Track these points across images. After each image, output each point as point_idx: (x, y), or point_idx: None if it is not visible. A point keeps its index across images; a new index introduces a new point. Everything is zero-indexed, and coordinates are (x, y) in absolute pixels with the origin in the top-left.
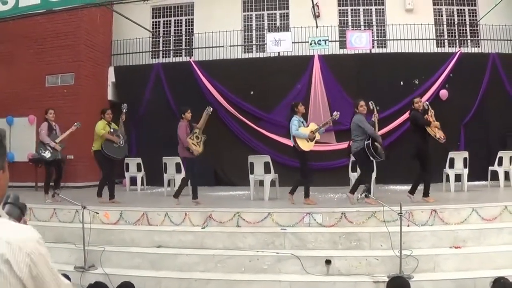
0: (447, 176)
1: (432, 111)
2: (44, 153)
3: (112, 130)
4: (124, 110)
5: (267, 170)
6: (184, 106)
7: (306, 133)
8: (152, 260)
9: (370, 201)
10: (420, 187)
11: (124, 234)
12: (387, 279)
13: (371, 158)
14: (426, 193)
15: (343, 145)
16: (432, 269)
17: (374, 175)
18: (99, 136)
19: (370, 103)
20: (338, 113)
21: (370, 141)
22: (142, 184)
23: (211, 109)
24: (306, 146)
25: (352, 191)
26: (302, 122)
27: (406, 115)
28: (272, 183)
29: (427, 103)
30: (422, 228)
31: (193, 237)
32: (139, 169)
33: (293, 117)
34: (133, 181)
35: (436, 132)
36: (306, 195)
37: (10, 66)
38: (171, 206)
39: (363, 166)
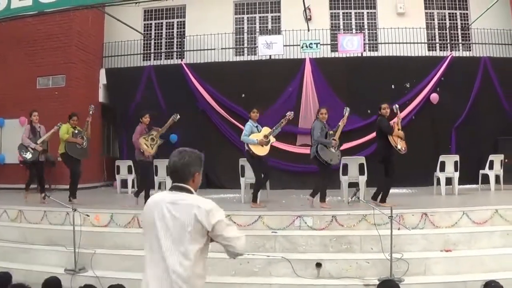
0: (438, 179)
1: (400, 117)
2: (26, 154)
3: (76, 132)
4: (90, 112)
5: None
6: (143, 110)
7: (254, 139)
8: (142, 263)
9: (325, 206)
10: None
11: (115, 236)
12: (377, 282)
13: (327, 164)
14: (383, 199)
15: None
16: (422, 272)
17: (364, 178)
18: (63, 139)
19: (394, 107)
20: (292, 113)
21: (317, 147)
22: (133, 186)
23: (178, 116)
24: (260, 151)
25: (313, 195)
26: (256, 127)
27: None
28: (263, 186)
29: (397, 106)
30: (413, 231)
31: None
32: (130, 172)
33: (246, 123)
34: (124, 183)
35: (398, 142)
36: (254, 198)
37: (1, 68)
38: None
39: (320, 172)
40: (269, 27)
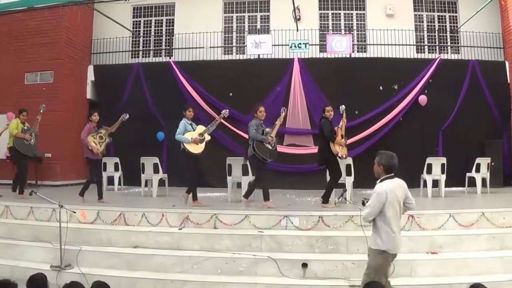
0: (425, 181)
1: (345, 121)
2: None
3: (25, 128)
4: (41, 110)
5: (245, 172)
6: (93, 109)
7: (188, 138)
8: (128, 260)
9: (270, 205)
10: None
11: (101, 233)
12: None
13: (264, 160)
14: (325, 200)
15: None
16: (408, 274)
17: (351, 179)
18: (12, 134)
19: (341, 107)
20: (227, 110)
21: (253, 143)
22: (119, 183)
23: (127, 116)
24: (195, 149)
25: (246, 196)
26: (191, 124)
27: (385, 120)
28: (249, 185)
29: (344, 107)
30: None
31: (170, 238)
32: (116, 169)
33: (181, 121)
34: (110, 180)
35: (339, 150)
36: (194, 197)
37: None
38: (148, 207)
39: (258, 171)
40: (258, 27)
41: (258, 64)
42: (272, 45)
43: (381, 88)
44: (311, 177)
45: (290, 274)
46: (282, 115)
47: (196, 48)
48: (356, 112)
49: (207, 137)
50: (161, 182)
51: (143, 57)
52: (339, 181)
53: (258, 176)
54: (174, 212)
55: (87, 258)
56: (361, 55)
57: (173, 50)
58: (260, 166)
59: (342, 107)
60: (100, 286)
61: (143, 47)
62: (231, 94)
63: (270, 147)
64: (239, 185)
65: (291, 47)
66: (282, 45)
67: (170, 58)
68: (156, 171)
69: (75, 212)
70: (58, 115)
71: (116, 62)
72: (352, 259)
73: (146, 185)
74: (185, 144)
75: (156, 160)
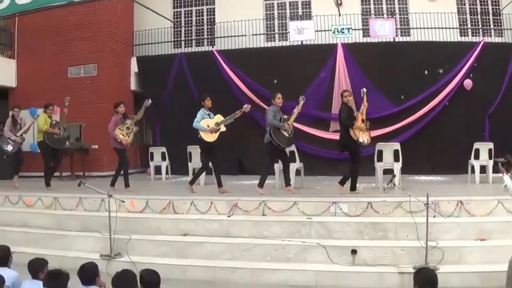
0: (472, 167)
1: (366, 105)
2: (7, 146)
3: (54, 123)
4: (66, 103)
5: (292, 159)
6: (119, 101)
7: (205, 126)
8: (178, 248)
9: (262, 192)
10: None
11: (150, 222)
12: (412, 270)
13: (279, 146)
14: (353, 187)
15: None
16: (457, 261)
17: (399, 165)
18: (42, 130)
19: (362, 90)
20: (249, 106)
21: (271, 129)
22: (166, 173)
23: (150, 101)
24: (209, 137)
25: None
26: (208, 114)
27: (431, 104)
28: (297, 172)
29: (364, 90)
30: (448, 219)
31: (219, 225)
32: (163, 158)
33: (199, 111)
34: (158, 170)
35: (360, 135)
36: (192, 181)
37: (33, 59)
38: (196, 195)
39: (268, 158)
40: (300, 13)
41: (302, 51)
42: (315, 31)
43: (426, 72)
44: None
45: (339, 261)
46: (300, 103)
47: (238, 36)
48: (402, 97)
49: (223, 128)
50: (208, 170)
51: (185, 47)
52: (387, 167)
53: (267, 163)
54: (222, 199)
55: (137, 247)
56: (404, 39)
57: (215, 39)
58: (272, 154)
59: (363, 90)
60: (150, 274)
61: (185, 37)
62: (275, 81)
63: (287, 135)
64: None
65: (334, 32)
66: (324, 30)
67: (212, 47)
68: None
69: (124, 202)
70: (103, 107)
71: (158, 53)
72: (401, 246)
73: (193, 173)
74: (200, 132)
75: None
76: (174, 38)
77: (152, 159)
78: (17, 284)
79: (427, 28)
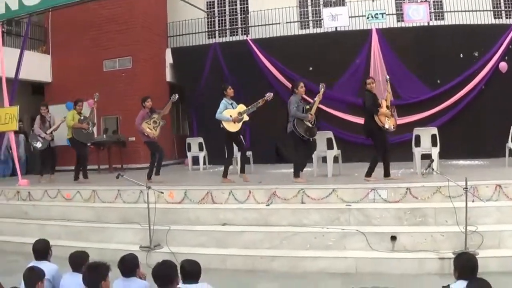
0: (510, 150)
1: (390, 91)
2: (36, 143)
3: (82, 118)
4: (95, 99)
5: (329, 146)
6: (146, 96)
7: (228, 116)
8: (217, 238)
9: (299, 180)
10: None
11: (189, 212)
12: (452, 256)
13: (302, 137)
14: (369, 173)
15: (405, 119)
16: (497, 245)
17: (437, 150)
18: (69, 126)
19: (386, 77)
20: (271, 94)
21: (294, 121)
22: (204, 163)
23: (177, 96)
24: (232, 127)
25: (296, 174)
26: (231, 104)
27: (467, 88)
28: (335, 160)
29: (388, 77)
30: (487, 203)
31: (257, 214)
32: (201, 149)
33: (221, 100)
34: (195, 160)
35: (385, 121)
36: (224, 174)
37: (67, 53)
38: (235, 184)
39: (295, 148)
40: None
41: (336, 37)
42: (349, 17)
43: (461, 56)
44: (396, 148)
45: (379, 248)
46: (321, 91)
47: (272, 24)
48: (438, 81)
49: (246, 118)
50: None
51: (219, 37)
52: (425, 152)
53: (296, 153)
54: (260, 188)
55: (176, 238)
56: (438, 23)
57: (249, 28)
58: (296, 144)
59: (387, 77)
60: (191, 265)
61: (218, 27)
62: (310, 68)
63: (310, 125)
64: (324, 159)
65: (368, 18)
66: (358, 16)
67: (246, 36)
68: (238, 149)
69: (162, 193)
70: (139, 99)
71: (193, 43)
72: (440, 231)
73: (236, 163)
74: (223, 122)
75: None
76: (208, 28)
77: (189, 149)
78: (57, 277)
79: (461, 11)
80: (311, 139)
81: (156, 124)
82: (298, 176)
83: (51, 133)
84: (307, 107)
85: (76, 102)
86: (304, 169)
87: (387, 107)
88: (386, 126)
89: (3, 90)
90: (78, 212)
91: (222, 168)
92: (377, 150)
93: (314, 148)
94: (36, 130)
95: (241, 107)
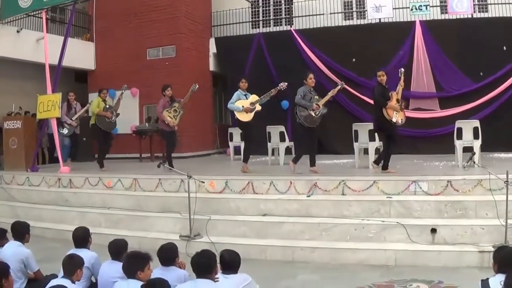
0: None
1: (402, 85)
2: (63, 130)
3: (107, 107)
4: (123, 91)
5: (371, 138)
6: (166, 84)
7: (239, 106)
8: (257, 228)
9: (315, 170)
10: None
11: (230, 202)
12: (492, 249)
13: (303, 124)
14: (385, 166)
15: (447, 112)
16: None
17: (479, 142)
18: (94, 113)
19: (400, 70)
20: (285, 84)
21: (296, 107)
22: None
23: (197, 86)
24: (244, 117)
25: (294, 160)
26: (245, 95)
27: (510, 81)
28: (377, 151)
29: (402, 70)
30: None
31: (298, 205)
32: (242, 139)
33: (235, 92)
34: (237, 150)
35: (393, 115)
36: (245, 159)
37: (111, 42)
38: (276, 175)
39: (301, 139)
40: None
41: (380, 28)
42: (393, 9)
43: (504, 48)
44: (438, 141)
45: (419, 240)
46: (337, 88)
47: (316, 15)
48: (481, 74)
49: (258, 107)
50: (288, 150)
51: (263, 27)
52: (467, 145)
53: (302, 144)
54: (301, 179)
55: (216, 227)
56: (482, 15)
57: (293, 18)
58: (304, 134)
59: (401, 70)
60: (231, 255)
61: (262, 17)
62: (354, 59)
63: (314, 115)
64: (365, 151)
65: (412, 9)
66: (402, 8)
67: (290, 26)
68: (282, 139)
69: (203, 182)
70: (182, 88)
71: (236, 33)
72: (481, 224)
73: (272, 153)
74: (235, 112)
75: (282, 128)
76: (252, 18)
77: (231, 139)
78: (97, 265)
79: (505, 3)
80: (314, 129)
81: (177, 113)
82: (314, 165)
83: (77, 119)
84: (316, 97)
85: (101, 90)
86: (341, 161)
87: (397, 100)
88: (394, 119)
89: (47, 77)
90: (118, 200)
91: (264, 158)
92: (390, 141)
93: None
94: (62, 117)
95: (254, 98)
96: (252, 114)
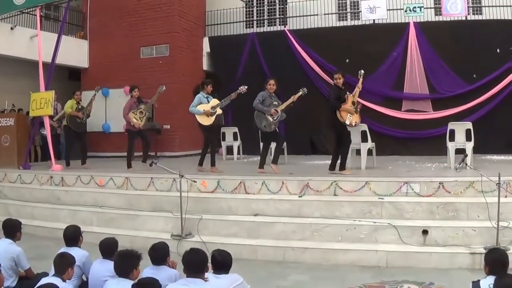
0: None
1: (360, 87)
2: (44, 131)
3: (79, 108)
4: (95, 93)
5: (364, 139)
6: (134, 85)
7: (200, 110)
8: (248, 228)
9: (261, 171)
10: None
11: (222, 202)
12: (483, 251)
13: (258, 128)
14: (342, 166)
15: (440, 113)
16: None
17: (471, 144)
18: (66, 113)
19: (359, 72)
20: (245, 87)
21: (255, 112)
22: (238, 153)
23: (164, 87)
24: (204, 120)
25: (273, 162)
26: (207, 98)
27: (503, 83)
28: (369, 152)
29: (362, 72)
30: None
31: (290, 205)
32: (235, 138)
33: (197, 95)
34: (230, 150)
35: (347, 118)
36: (212, 163)
37: (105, 39)
38: (267, 175)
39: (261, 139)
40: None
41: (374, 30)
42: (387, 10)
43: (498, 50)
44: (430, 142)
45: (410, 241)
46: (298, 93)
47: (310, 15)
48: (474, 76)
49: (219, 111)
50: (280, 150)
51: (257, 27)
52: (459, 147)
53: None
54: (294, 179)
55: (208, 227)
56: (476, 17)
57: (287, 18)
58: (263, 136)
59: (361, 72)
60: (222, 255)
61: (257, 17)
62: (347, 60)
63: (271, 119)
64: (358, 152)
65: (406, 11)
66: (396, 9)
67: (284, 27)
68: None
69: (195, 182)
70: (175, 87)
71: (230, 33)
72: (472, 226)
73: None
74: (196, 116)
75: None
76: (246, 18)
77: (224, 139)
78: (88, 263)
79: (499, 6)
80: (276, 131)
81: (142, 115)
82: (262, 167)
83: (58, 120)
84: (275, 103)
85: (74, 91)
86: (338, 161)
87: (353, 103)
88: (347, 122)
89: (40, 75)
90: (110, 198)
91: (257, 158)
92: (342, 142)
93: (282, 141)
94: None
95: (215, 101)
96: (213, 117)
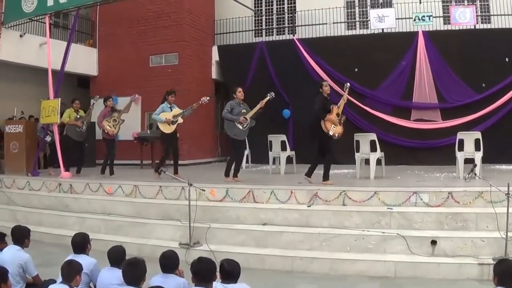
0: None
1: (345, 99)
2: (46, 137)
3: (78, 117)
4: (92, 103)
5: (373, 149)
6: (108, 95)
7: (162, 118)
8: (257, 237)
9: (228, 179)
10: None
11: (230, 211)
12: (492, 262)
13: (230, 137)
14: (326, 176)
15: (449, 123)
16: None
17: (480, 154)
18: (64, 122)
19: (345, 84)
20: (208, 98)
21: (225, 122)
22: (247, 162)
23: (136, 96)
24: (166, 129)
25: (234, 172)
26: (170, 107)
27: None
28: (378, 162)
29: (348, 85)
30: None
31: (298, 215)
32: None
33: (161, 104)
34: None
35: (330, 129)
36: (156, 169)
37: (114, 48)
38: (276, 184)
39: (230, 148)
40: (381, 1)
41: (382, 39)
42: (396, 19)
43: (507, 60)
44: (439, 152)
45: (419, 252)
46: (266, 98)
47: (319, 24)
48: (483, 85)
49: (180, 120)
50: (289, 160)
51: (266, 35)
52: (468, 156)
53: (231, 154)
54: (302, 189)
55: (216, 236)
56: (484, 26)
57: (296, 27)
58: (233, 145)
59: (347, 84)
60: (231, 265)
61: (266, 25)
62: (356, 69)
63: (241, 127)
64: (367, 161)
65: (414, 20)
66: (405, 18)
67: (293, 35)
68: (283, 148)
69: (204, 190)
70: (184, 96)
71: (239, 42)
72: (481, 236)
73: (274, 162)
74: (158, 124)
75: (283, 137)
76: (255, 27)
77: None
78: (96, 271)
79: (508, 15)
80: (244, 139)
81: (116, 123)
82: (227, 175)
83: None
84: (244, 111)
85: (72, 100)
86: (342, 171)
87: (337, 114)
88: (331, 132)
89: (49, 82)
90: (118, 206)
91: (266, 167)
92: (326, 152)
93: (244, 149)
94: (44, 124)
95: (176, 111)
96: (174, 126)
